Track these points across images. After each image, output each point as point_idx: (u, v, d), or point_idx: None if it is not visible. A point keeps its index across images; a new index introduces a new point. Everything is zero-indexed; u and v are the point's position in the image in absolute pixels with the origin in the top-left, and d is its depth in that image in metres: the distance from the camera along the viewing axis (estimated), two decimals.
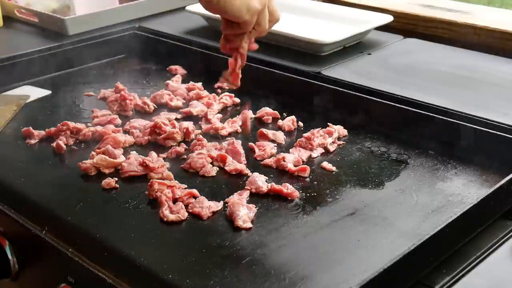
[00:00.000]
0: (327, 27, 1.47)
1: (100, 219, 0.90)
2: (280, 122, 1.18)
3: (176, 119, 1.19)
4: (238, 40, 1.01)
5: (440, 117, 1.08)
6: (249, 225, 0.87)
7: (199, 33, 1.54)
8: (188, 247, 0.84)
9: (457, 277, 0.79)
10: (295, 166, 1.02)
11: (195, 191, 0.95)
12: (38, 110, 1.26)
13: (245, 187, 0.97)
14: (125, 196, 0.96)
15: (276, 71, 1.30)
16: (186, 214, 0.90)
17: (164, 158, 1.06)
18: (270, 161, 1.04)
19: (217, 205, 0.92)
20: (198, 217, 0.90)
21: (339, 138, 1.12)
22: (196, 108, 1.23)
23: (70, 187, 0.99)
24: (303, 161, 1.05)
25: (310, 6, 1.60)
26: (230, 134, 1.14)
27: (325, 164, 1.03)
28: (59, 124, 1.14)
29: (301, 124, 1.18)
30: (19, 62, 1.38)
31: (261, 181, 0.97)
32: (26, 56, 1.40)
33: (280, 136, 1.13)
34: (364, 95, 1.17)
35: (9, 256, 0.90)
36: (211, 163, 1.04)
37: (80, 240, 0.84)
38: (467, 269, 0.80)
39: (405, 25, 1.56)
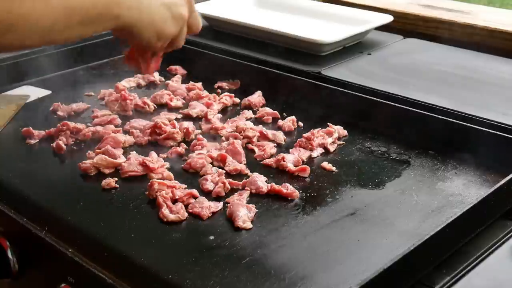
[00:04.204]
0: (327, 27, 1.47)
1: (100, 219, 0.90)
2: (280, 122, 1.18)
3: (176, 119, 1.19)
4: (146, 54, 0.99)
5: (440, 117, 1.08)
6: (249, 225, 0.87)
7: (199, 33, 1.53)
8: (188, 247, 0.84)
9: (457, 277, 0.79)
10: (295, 166, 1.02)
11: (195, 191, 0.95)
12: (38, 110, 1.26)
13: (245, 187, 0.97)
14: (125, 196, 0.96)
15: (276, 71, 1.30)
16: (186, 214, 0.90)
17: (164, 158, 1.06)
18: (270, 161, 1.04)
19: (217, 205, 0.92)
20: (198, 217, 0.90)
21: (339, 138, 1.12)
22: (196, 108, 1.23)
23: (70, 187, 0.99)
24: (303, 161, 1.05)
25: (310, 6, 1.60)
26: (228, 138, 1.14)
27: (325, 164, 1.03)
28: (59, 124, 1.14)
29: (301, 124, 1.18)
30: (19, 62, 1.38)
31: (261, 181, 0.97)
32: (26, 56, 1.40)
33: (280, 136, 1.13)
34: (364, 95, 1.17)
35: (10, 256, 0.90)
36: (211, 163, 1.04)
37: (80, 240, 0.83)
38: (467, 269, 0.80)
39: (405, 25, 1.56)
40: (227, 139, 1.12)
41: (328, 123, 1.14)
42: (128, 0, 0.83)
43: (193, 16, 0.95)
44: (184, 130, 1.13)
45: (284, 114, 1.21)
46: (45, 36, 0.77)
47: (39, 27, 0.75)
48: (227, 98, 1.27)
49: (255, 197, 0.95)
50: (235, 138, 1.11)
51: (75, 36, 0.82)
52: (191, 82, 1.35)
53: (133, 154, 1.05)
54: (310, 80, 1.25)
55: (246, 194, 0.95)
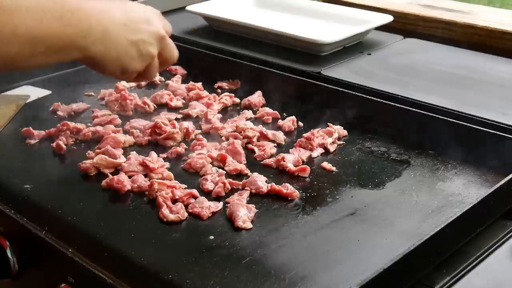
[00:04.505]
0: (327, 27, 1.47)
1: (100, 219, 0.90)
2: (280, 122, 1.18)
3: (176, 119, 1.19)
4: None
5: (440, 117, 1.08)
6: (249, 225, 0.87)
7: (199, 33, 1.54)
8: (188, 247, 0.84)
9: (457, 277, 0.79)
10: (295, 166, 1.02)
11: (195, 191, 0.95)
12: (38, 110, 1.26)
13: (245, 187, 0.97)
14: (125, 196, 0.95)
15: (276, 71, 1.30)
16: (186, 214, 0.90)
17: (164, 158, 1.06)
18: (270, 161, 1.04)
19: (217, 205, 0.92)
20: (198, 217, 0.90)
21: (339, 138, 1.12)
22: (196, 108, 1.23)
23: (70, 187, 0.99)
24: (303, 161, 1.05)
25: (310, 6, 1.60)
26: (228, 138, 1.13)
27: (325, 164, 1.03)
28: (59, 124, 1.14)
29: (301, 124, 1.18)
30: None
31: (261, 181, 0.97)
32: None
33: (280, 136, 1.13)
34: (364, 95, 1.17)
35: (9, 256, 0.90)
36: (211, 163, 1.04)
37: (80, 240, 0.83)
38: (467, 269, 0.80)
39: (405, 25, 1.56)
40: (227, 139, 1.12)
41: (328, 123, 1.14)
42: (95, 34, 0.83)
43: (166, 50, 0.96)
44: (184, 130, 1.13)
45: (284, 114, 1.21)
46: (10, 63, 0.79)
47: (4, 53, 0.76)
48: (227, 98, 1.27)
49: (255, 197, 0.95)
50: (235, 138, 1.11)
51: (40, 64, 0.83)
52: (191, 82, 1.35)
53: (133, 154, 1.05)
54: (310, 80, 1.25)
55: (246, 194, 0.95)
